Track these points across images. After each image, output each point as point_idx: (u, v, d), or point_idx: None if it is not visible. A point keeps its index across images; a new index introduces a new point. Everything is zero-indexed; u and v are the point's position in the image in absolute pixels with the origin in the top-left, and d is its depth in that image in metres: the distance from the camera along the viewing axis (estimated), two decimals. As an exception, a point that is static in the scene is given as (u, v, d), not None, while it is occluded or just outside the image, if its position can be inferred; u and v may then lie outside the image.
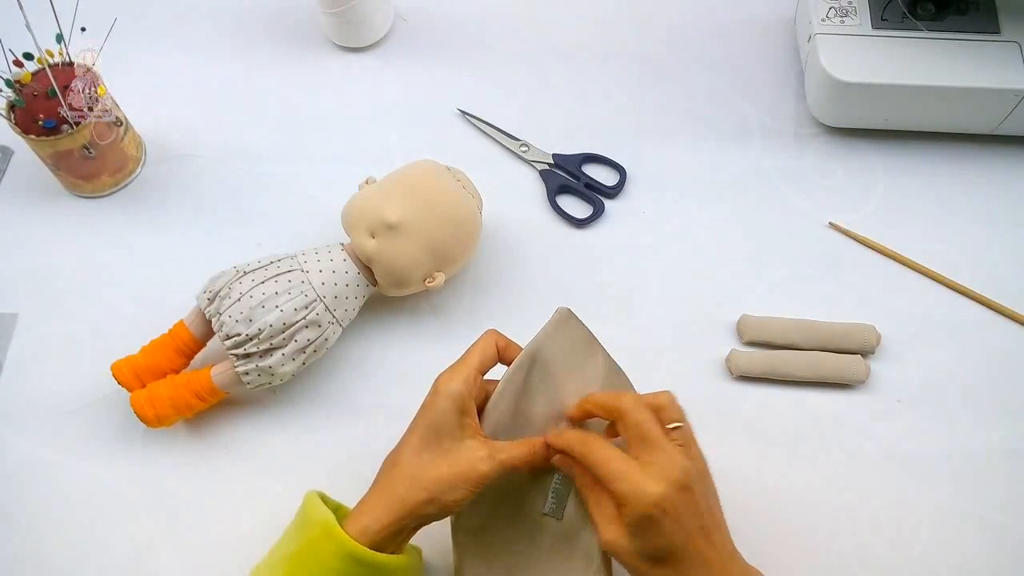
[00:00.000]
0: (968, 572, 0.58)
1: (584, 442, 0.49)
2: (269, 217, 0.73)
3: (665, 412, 0.50)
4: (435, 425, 0.50)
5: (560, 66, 0.81)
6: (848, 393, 0.65)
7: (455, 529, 0.54)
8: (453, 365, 0.53)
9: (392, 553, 0.50)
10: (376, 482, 0.52)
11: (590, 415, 0.52)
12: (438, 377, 0.52)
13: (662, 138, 0.77)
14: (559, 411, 0.53)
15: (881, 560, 0.59)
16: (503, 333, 0.54)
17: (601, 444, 0.49)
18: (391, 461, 0.52)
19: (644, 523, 0.46)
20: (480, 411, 0.52)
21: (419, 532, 0.52)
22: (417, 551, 0.55)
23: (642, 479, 0.46)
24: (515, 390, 0.52)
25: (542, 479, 0.53)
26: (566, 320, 0.54)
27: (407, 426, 0.53)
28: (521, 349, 0.54)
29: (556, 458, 0.51)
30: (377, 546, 0.48)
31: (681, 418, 0.51)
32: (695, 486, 0.47)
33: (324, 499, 0.53)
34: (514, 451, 0.50)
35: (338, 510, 0.52)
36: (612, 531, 0.47)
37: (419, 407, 0.52)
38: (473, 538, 0.53)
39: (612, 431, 0.53)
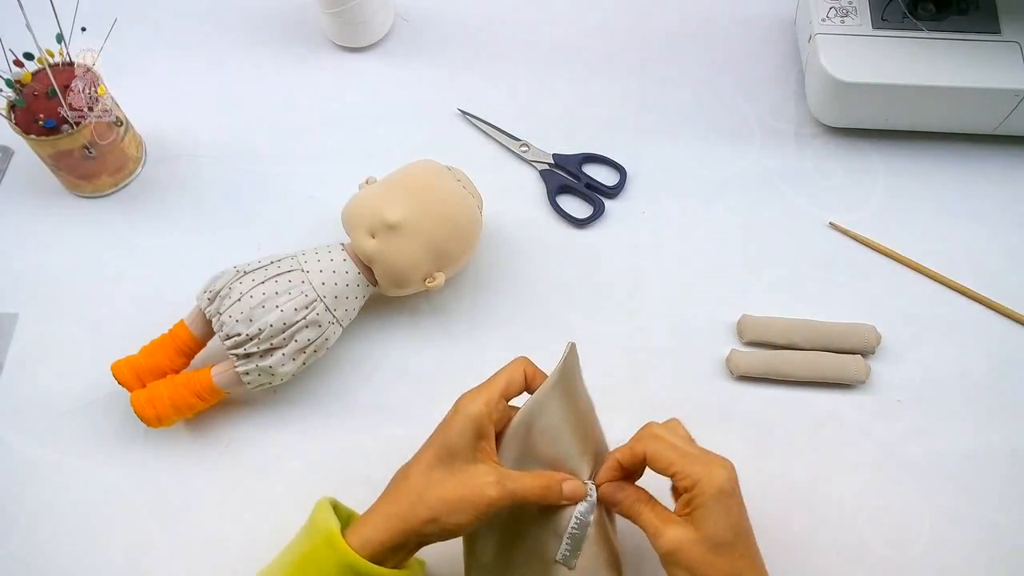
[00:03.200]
0: (968, 572, 0.58)
1: (641, 440, 0.51)
2: (269, 217, 0.73)
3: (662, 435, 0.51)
4: (449, 444, 0.49)
5: (560, 66, 0.81)
6: (848, 393, 0.65)
7: (467, 562, 0.53)
8: (478, 386, 0.51)
9: (393, 567, 0.49)
10: (384, 494, 0.51)
11: (621, 472, 0.52)
12: (461, 396, 0.51)
13: (662, 138, 0.77)
14: (577, 448, 0.52)
15: (881, 560, 0.59)
16: (533, 361, 0.53)
17: (659, 437, 0.50)
18: (401, 475, 0.51)
19: (718, 500, 0.47)
20: (499, 437, 0.51)
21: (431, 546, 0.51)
22: (420, 564, 0.54)
23: (709, 463, 0.48)
24: (534, 421, 0.51)
25: (558, 522, 0.51)
26: (574, 354, 0.53)
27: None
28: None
29: (603, 487, 0.51)
30: (377, 559, 0.48)
31: (691, 438, 0.52)
32: (738, 482, 0.49)
33: (336, 506, 0.52)
34: (527, 482, 0.49)
35: (349, 518, 0.52)
36: (675, 529, 0.47)
37: (439, 423, 0.51)
38: (484, 574, 0.52)
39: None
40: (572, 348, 0.52)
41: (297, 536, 0.51)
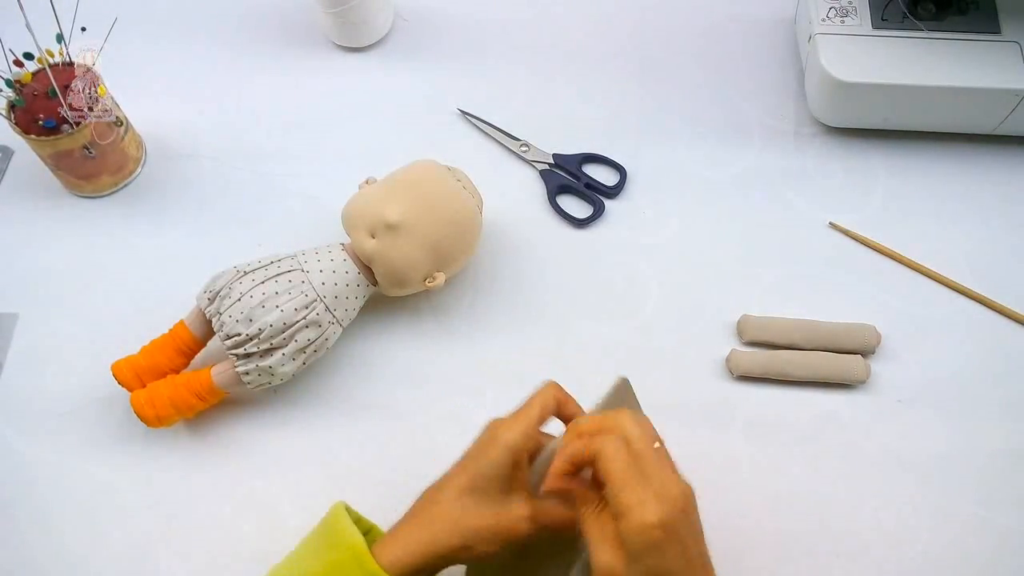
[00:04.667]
0: (968, 572, 0.58)
1: (609, 448, 0.45)
2: (269, 217, 0.73)
3: (634, 439, 0.46)
4: (486, 473, 0.48)
5: (560, 66, 0.81)
6: (848, 393, 0.65)
7: None
8: (513, 415, 0.50)
9: None
10: (412, 514, 0.50)
11: (573, 469, 0.48)
12: (495, 424, 0.50)
13: (662, 138, 0.77)
14: None
15: (881, 560, 0.59)
16: (562, 387, 0.52)
17: (611, 451, 0.45)
18: (432, 497, 0.50)
19: (644, 539, 0.42)
20: (530, 460, 0.51)
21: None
22: None
23: (643, 493, 0.43)
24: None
25: (567, 554, 0.50)
26: (624, 390, 0.51)
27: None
28: (578, 406, 0.51)
29: (574, 487, 0.48)
30: None
31: (655, 436, 0.47)
32: (693, 510, 0.45)
33: (349, 511, 0.52)
34: (558, 514, 0.49)
35: (369, 532, 0.52)
36: (609, 554, 0.43)
37: (470, 447, 0.51)
38: None
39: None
40: (624, 382, 0.50)
41: (314, 541, 0.51)
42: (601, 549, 0.44)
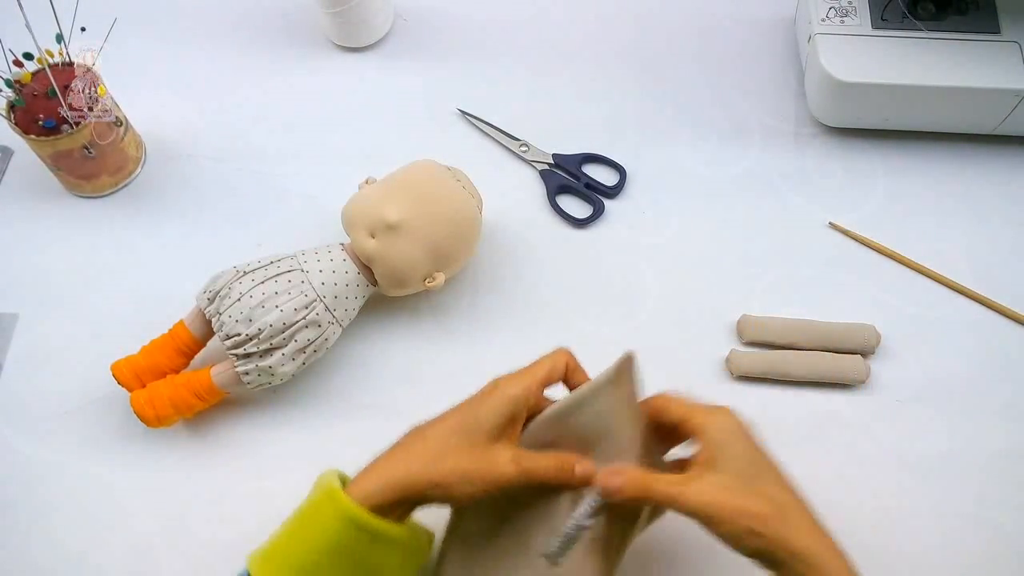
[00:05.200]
0: (968, 572, 0.58)
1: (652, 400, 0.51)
2: (269, 217, 0.73)
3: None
4: (480, 419, 0.48)
5: (560, 66, 0.81)
6: (848, 393, 0.65)
7: (450, 530, 0.53)
8: (519, 371, 0.51)
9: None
10: (393, 449, 0.50)
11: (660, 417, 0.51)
12: (499, 378, 0.50)
13: (662, 138, 0.77)
14: (610, 454, 0.50)
15: (881, 560, 0.59)
16: (574, 355, 0.52)
17: (666, 396, 0.51)
18: (418, 434, 0.50)
19: (733, 436, 0.47)
20: (526, 423, 0.51)
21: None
22: (428, 535, 0.53)
23: (712, 409, 0.49)
24: (574, 414, 0.50)
25: (554, 516, 0.50)
26: (630, 362, 0.51)
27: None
28: (587, 375, 0.52)
29: (601, 473, 0.49)
30: (376, 512, 0.47)
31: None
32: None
33: (343, 478, 0.51)
34: (541, 461, 0.49)
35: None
36: (697, 484, 0.45)
37: (469, 397, 0.50)
38: (462, 546, 0.52)
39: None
40: (629, 356, 0.51)
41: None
42: (687, 486, 0.46)
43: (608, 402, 0.50)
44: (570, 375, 0.52)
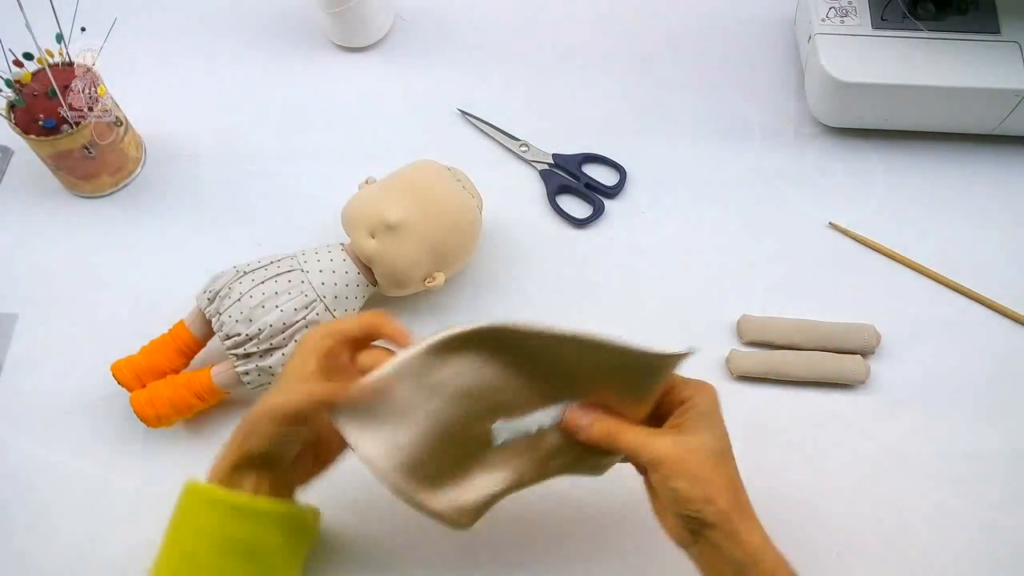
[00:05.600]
0: (968, 572, 0.58)
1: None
2: (269, 217, 0.73)
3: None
4: (286, 372, 0.49)
5: (560, 66, 0.81)
6: (848, 393, 0.65)
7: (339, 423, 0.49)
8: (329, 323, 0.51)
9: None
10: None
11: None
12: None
13: (662, 138, 0.77)
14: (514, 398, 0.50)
15: (881, 560, 0.59)
16: (393, 319, 0.51)
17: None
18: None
19: (712, 410, 0.48)
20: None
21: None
22: (314, 512, 0.54)
23: (699, 383, 0.50)
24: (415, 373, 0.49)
25: (510, 410, 0.50)
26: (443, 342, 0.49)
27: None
28: (404, 335, 0.50)
29: (570, 411, 0.50)
30: (230, 486, 0.48)
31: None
32: None
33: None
34: (325, 383, 0.48)
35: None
36: (665, 439, 0.47)
37: None
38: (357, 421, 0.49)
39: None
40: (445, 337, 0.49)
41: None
42: (655, 439, 0.47)
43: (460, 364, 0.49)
44: (381, 328, 0.50)
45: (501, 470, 0.51)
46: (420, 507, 0.49)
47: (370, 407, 0.48)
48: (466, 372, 0.49)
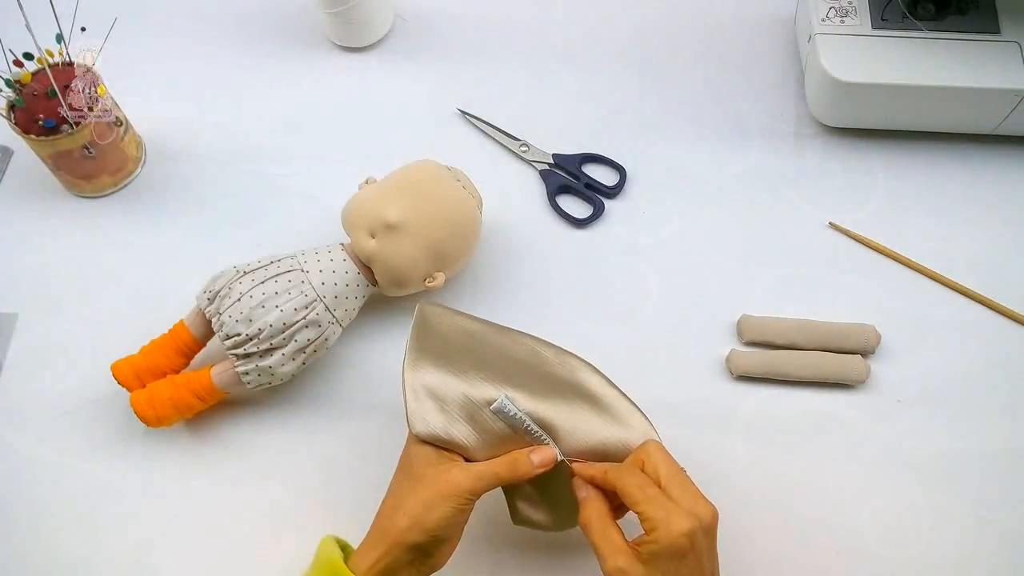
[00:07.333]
0: (968, 572, 0.58)
1: (616, 470, 0.50)
2: (269, 217, 0.73)
3: (649, 465, 0.50)
4: (411, 459, 0.53)
5: (560, 66, 0.81)
6: (848, 393, 0.65)
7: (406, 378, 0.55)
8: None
9: None
10: (375, 521, 0.53)
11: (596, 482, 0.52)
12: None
13: (662, 138, 0.77)
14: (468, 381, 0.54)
15: (881, 560, 0.59)
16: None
17: (635, 472, 0.49)
18: (380, 505, 0.53)
19: (670, 553, 0.45)
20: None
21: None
22: None
23: (670, 511, 0.46)
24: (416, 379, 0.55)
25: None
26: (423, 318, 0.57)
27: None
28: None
29: (577, 470, 0.52)
30: None
31: (676, 466, 0.50)
32: (715, 531, 0.48)
33: (341, 544, 0.53)
34: (494, 462, 0.52)
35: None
36: (623, 559, 0.46)
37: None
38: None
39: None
40: (420, 309, 0.58)
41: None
42: (614, 557, 0.46)
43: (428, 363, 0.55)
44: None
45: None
46: (549, 529, 0.56)
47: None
48: None
